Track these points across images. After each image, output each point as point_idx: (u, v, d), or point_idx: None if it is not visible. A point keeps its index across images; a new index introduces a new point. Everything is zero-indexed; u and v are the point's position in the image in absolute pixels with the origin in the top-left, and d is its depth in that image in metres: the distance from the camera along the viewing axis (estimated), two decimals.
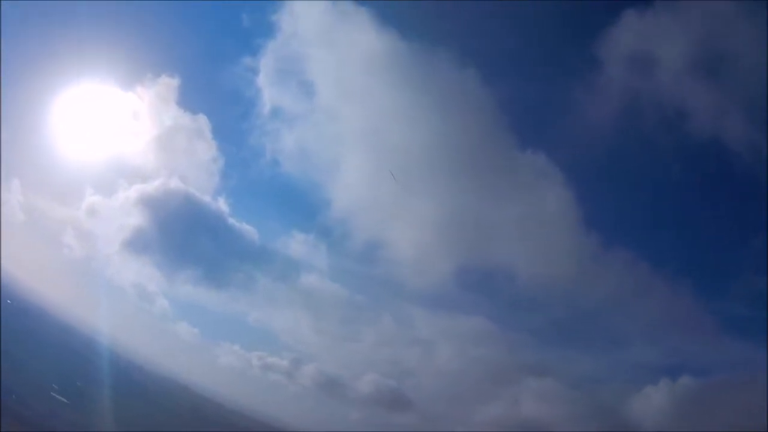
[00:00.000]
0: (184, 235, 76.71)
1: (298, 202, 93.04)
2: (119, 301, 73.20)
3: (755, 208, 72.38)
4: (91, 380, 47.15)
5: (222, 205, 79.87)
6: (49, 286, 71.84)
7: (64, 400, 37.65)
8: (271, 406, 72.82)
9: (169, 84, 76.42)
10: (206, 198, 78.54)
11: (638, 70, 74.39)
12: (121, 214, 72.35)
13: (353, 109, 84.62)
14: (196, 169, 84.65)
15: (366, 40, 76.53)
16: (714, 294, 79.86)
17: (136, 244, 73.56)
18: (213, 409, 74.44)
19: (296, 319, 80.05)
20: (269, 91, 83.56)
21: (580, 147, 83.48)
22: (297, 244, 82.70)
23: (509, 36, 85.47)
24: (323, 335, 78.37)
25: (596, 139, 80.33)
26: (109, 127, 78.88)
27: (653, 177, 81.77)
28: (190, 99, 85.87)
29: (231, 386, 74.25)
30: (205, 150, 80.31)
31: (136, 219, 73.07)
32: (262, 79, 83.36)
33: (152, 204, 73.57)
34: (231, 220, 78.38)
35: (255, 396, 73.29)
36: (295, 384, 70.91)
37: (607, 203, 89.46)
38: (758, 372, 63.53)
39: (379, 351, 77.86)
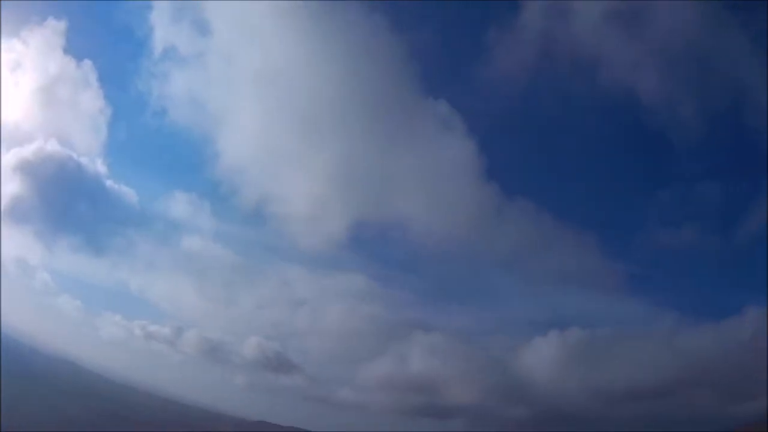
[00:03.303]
0: (62, 201, 76.10)
1: (183, 157, 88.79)
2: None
3: (664, 162, 77.66)
4: None
5: (100, 166, 78.78)
6: None
7: None
8: (156, 376, 75.26)
9: (55, 27, 73.57)
10: (84, 160, 77.09)
11: (554, 16, 73.89)
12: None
13: (250, 53, 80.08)
14: (79, 124, 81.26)
15: None
16: (614, 247, 78.88)
17: (16, 213, 72.62)
18: (102, 385, 77.40)
19: (177, 285, 78.41)
20: (162, 30, 79.52)
21: (486, 94, 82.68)
22: (179, 205, 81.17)
23: None
24: (205, 300, 78.29)
25: (504, 87, 79.30)
26: None
27: (562, 126, 79.97)
28: (77, 43, 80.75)
29: (115, 358, 75.25)
30: (91, 100, 78.00)
31: (14, 186, 72.20)
32: (155, 17, 79.76)
33: (30, 169, 72.79)
34: (110, 182, 77.97)
35: (140, 367, 75.16)
36: (178, 352, 73.48)
37: (511, 153, 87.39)
38: (650, 326, 68.86)
39: (262, 314, 78.22)
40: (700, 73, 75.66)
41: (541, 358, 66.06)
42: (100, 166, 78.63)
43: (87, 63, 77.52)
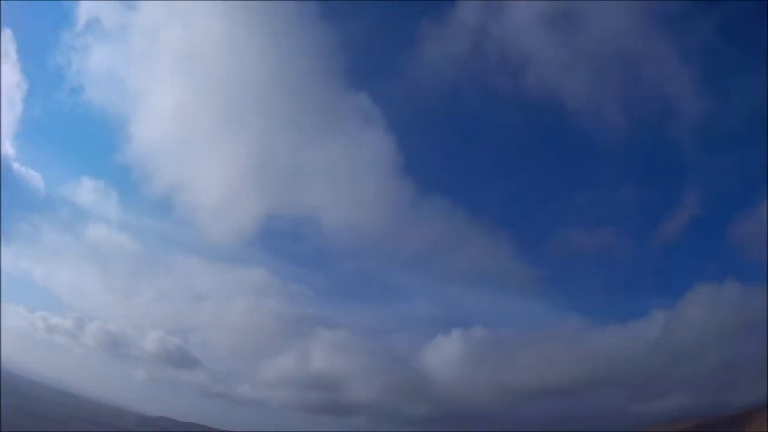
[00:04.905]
0: None
1: (95, 139, 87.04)
2: None
3: (583, 165, 77.57)
4: None
5: (9, 148, 75.95)
6: None
7: None
8: (58, 369, 73.13)
9: None
10: None
11: (487, 14, 73.06)
12: None
13: (174, 33, 79.71)
14: None
15: None
16: (526, 248, 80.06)
17: None
18: (3, 378, 74.38)
19: (81, 275, 77.57)
20: (88, 1, 76.33)
21: (410, 90, 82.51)
22: (87, 192, 79.24)
23: None
24: (107, 291, 77.56)
25: (429, 82, 79.28)
26: None
27: (484, 124, 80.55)
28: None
29: (17, 350, 73.29)
30: (8, 74, 74.64)
31: None
32: None
33: None
34: (17, 165, 75.22)
35: (41, 360, 72.98)
36: (80, 345, 71.85)
37: (430, 149, 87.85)
38: (557, 327, 67.37)
39: (164, 307, 78.45)
40: (626, 81, 77.73)
41: (445, 357, 66.92)
42: (8, 148, 75.95)
43: (8, 33, 74.37)
